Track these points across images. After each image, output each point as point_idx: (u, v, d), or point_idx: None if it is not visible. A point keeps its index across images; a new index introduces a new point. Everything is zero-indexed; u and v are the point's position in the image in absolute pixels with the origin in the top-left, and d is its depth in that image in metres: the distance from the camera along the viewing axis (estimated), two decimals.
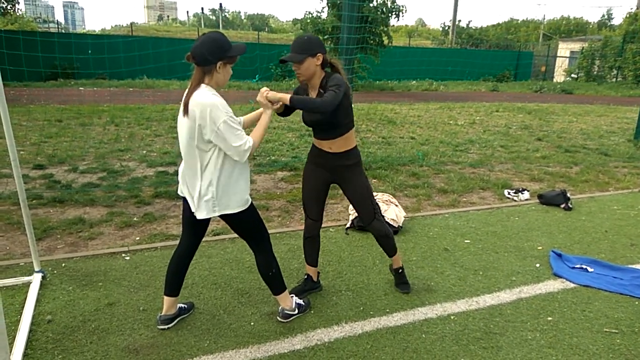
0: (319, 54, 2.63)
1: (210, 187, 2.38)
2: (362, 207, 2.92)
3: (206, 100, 2.26)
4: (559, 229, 4.46)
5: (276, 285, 2.75)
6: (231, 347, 2.58)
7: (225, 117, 2.26)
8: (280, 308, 2.82)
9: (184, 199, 2.55)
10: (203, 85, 2.33)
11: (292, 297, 2.87)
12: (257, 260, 2.70)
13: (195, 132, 2.30)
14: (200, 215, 2.45)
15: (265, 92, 2.56)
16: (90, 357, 2.46)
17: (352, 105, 2.82)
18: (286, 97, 2.55)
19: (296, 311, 2.84)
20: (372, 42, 17.06)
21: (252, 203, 2.55)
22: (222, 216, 2.49)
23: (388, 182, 5.81)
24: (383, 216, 4.06)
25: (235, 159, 2.35)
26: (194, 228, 2.67)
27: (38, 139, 7.49)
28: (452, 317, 2.92)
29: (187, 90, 2.33)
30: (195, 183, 2.41)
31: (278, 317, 2.82)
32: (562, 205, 5.05)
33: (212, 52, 2.30)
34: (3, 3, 20.08)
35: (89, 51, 16.71)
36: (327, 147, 2.82)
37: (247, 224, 2.58)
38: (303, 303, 2.91)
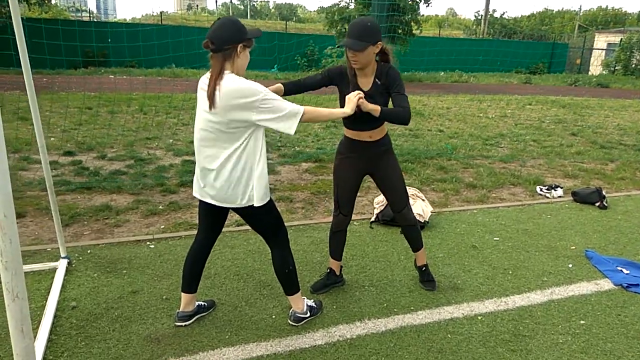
0: (379, 42, 2.53)
1: (227, 178, 2.31)
2: (398, 191, 2.88)
3: (238, 85, 2.18)
4: (593, 229, 4.28)
5: (290, 284, 2.65)
6: (252, 340, 2.55)
7: (262, 92, 2.19)
8: (291, 311, 2.71)
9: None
10: (227, 72, 2.23)
11: (304, 299, 2.76)
12: (273, 256, 2.61)
13: (224, 123, 2.22)
14: (214, 201, 2.39)
15: (359, 98, 2.46)
16: (113, 345, 2.47)
17: None
18: (377, 109, 2.51)
19: (308, 314, 2.72)
20: (400, 31, 16.78)
21: (270, 198, 2.47)
22: (236, 209, 2.43)
23: (415, 176, 5.70)
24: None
25: (286, 130, 2.24)
26: (212, 223, 2.61)
27: (68, 125, 7.62)
28: (479, 318, 2.83)
29: (209, 82, 2.22)
30: (215, 174, 2.34)
31: (289, 321, 2.71)
32: (597, 204, 4.85)
33: (232, 35, 2.21)
34: None
35: (124, 40, 16.90)
36: (367, 137, 2.77)
37: (264, 219, 2.49)
38: (314, 305, 2.80)
